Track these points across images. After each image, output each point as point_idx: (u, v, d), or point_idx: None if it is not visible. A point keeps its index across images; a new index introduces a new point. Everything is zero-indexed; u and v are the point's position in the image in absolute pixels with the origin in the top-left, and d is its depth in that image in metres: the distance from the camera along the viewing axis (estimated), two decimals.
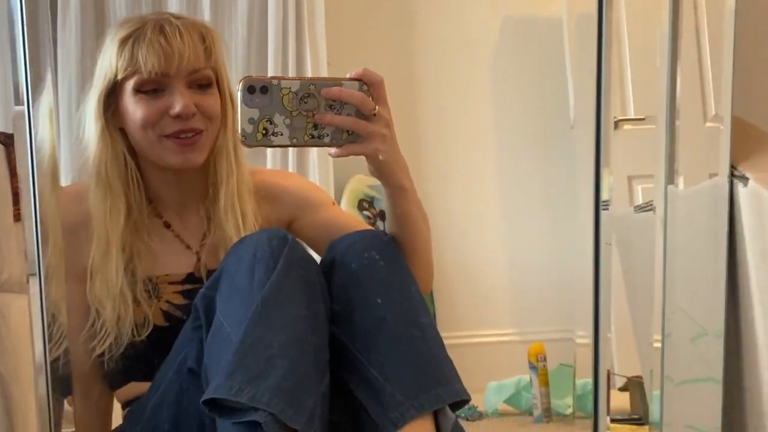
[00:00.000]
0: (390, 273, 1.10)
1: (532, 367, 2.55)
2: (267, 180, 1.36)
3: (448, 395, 1.06)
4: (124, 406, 1.33)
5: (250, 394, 0.94)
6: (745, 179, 0.65)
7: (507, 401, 2.68)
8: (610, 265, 0.71)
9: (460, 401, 1.08)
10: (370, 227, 1.32)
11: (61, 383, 1.28)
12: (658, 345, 0.70)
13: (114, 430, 1.31)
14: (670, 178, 0.75)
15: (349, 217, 1.39)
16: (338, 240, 1.15)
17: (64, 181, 1.66)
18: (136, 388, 1.28)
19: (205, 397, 0.96)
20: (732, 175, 0.68)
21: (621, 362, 2.97)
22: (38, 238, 1.18)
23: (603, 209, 0.80)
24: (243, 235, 1.26)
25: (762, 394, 0.61)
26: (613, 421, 2.13)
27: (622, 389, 2.76)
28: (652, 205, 0.77)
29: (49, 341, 1.23)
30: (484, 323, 3.25)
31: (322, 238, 1.28)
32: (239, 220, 1.28)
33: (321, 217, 1.34)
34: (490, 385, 2.68)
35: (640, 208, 0.83)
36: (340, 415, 1.06)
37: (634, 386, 2.44)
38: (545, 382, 2.53)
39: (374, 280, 1.09)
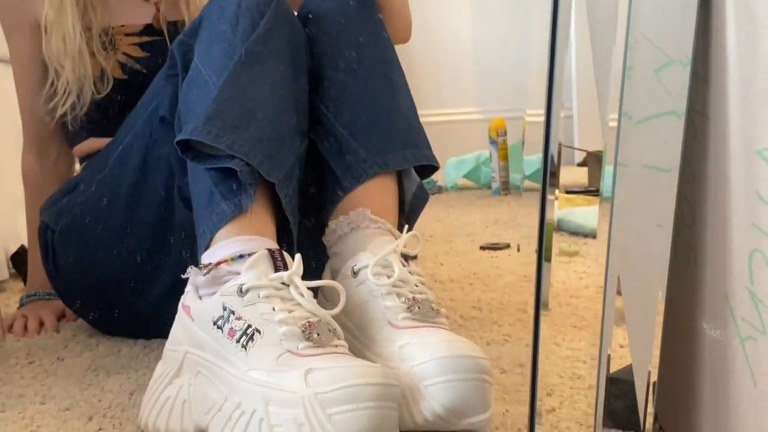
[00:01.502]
0: (364, 29, 1.04)
1: (492, 142, 2.54)
2: None
3: (414, 158, 1.02)
4: (81, 160, 1.30)
5: (228, 142, 0.89)
6: None
7: (466, 176, 2.70)
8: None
9: (428, 167, 1.05)
10: None
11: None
12: (618, 80, 0.64)
13: (71, 179, 1.28)
14: None
15: None
16: None
17: None
18: (95, 143, 1.24)
19: (180, 137, 0.92)
20: None
21: (581, 139, 2.99)
22: None
23: None
24: None
25: (728, 119, 0.57)
26: (569, 192, 2.17)
27: (581, 164, 2.81)
28: None
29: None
30: (446, 102, 3.22)
31: None
32: None
33: None
34: (450, 160, 2.69)
35: None
36: (307, 175, 1.03)
37: (593, 160, 2.47)
38: (504, 157, 2.53)
39: (348, 35, 1.03)
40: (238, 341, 0.77)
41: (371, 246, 0.91)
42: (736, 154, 0.57)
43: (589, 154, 2.55)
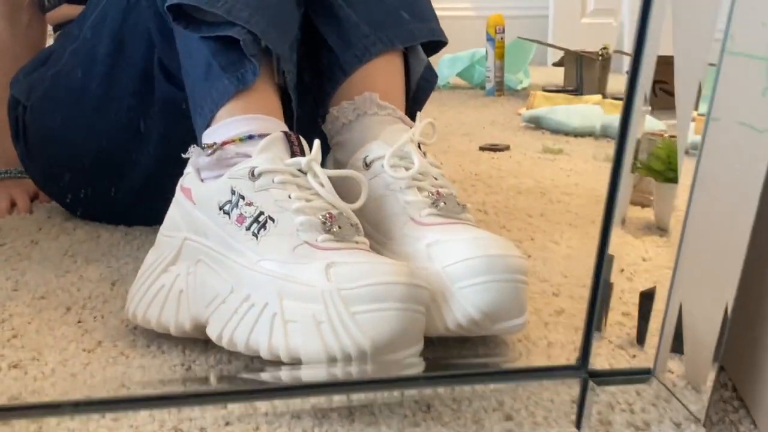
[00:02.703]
0: None
1: (489, 39, 2.43)
2: None
3: (422, 33, 0.91)
4: (56, 29, 1.20)
5: (227, 6, 0.77)
6: None
7: (460, 75, 2.59)
8: None
9: (436, 43, 0.94)
10: None
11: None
12: None
13: (44, 49, 1.17)
14: None
15: None
16: None
17: None
18: (70, 10, 1.13)
19: (171, 1, 0.79)
20: None
21: (556, 38, 2.89)
22: None
23: None
24: None
25: None
26: (547, 92, 2.10)
27: (557, 64, 2.74)
28: None
29: None
30: None
31: None
32: None
33: None
34: (444, 58, 2.57)
35: None
36: (301, 53, 0.91)
37: (570, 60, 2.41)
38: (501, 55, 2.42)
39: None
40: (248, 229, 0.68)
41: (384, 135, 0.81)
42: None
43: (566, 53, 2.47)
